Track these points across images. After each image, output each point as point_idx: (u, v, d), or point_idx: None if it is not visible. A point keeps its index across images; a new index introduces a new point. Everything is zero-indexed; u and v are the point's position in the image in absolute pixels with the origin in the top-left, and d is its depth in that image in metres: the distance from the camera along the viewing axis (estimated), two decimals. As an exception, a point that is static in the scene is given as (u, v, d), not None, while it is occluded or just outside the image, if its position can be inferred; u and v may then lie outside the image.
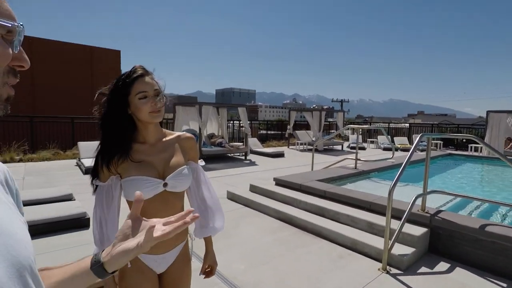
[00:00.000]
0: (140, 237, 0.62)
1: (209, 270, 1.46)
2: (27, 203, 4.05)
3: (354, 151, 7.06)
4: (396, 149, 12.21)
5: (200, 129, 9.40)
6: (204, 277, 1.46)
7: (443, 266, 3.06)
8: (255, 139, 12.92)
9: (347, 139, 16.40)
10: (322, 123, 13.46)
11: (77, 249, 2.87)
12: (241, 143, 11.47)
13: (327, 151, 12.80)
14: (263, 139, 16.00)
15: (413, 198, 3.36)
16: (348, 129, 14.87)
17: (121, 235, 0.65)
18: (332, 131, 18.11)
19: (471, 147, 12.28)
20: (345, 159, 7.38)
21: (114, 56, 21.80)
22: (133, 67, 1.20)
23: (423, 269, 2.99)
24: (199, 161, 1.46)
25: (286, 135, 14.70)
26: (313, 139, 13.52)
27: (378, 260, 3.09)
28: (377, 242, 3.23)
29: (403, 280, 2.77)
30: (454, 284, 2.72)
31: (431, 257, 3.23)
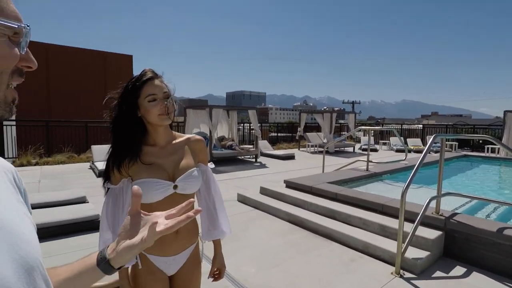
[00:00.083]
0: (143, 232, 0.63)
1: (217, 273, 1.46)
2: (42, 206, 4.15)
3: (366, 153, 6.98)
4: (409, 151, 12.00)
5: (210, 132, 9.45)
6: (213, 280, 1.46)
7: (459, 270, 2.98)
8: (265, 142, 12.92)
9: (359, 141, 16.21)
10: (333, 125, 13.35)
11: (91, 251, 2.91)
12: (251, 146, 11.48)
13: (338, 153, 12.68)
14: (274, 142, 15.97)
15: (427, 200, 3.29)
16: (359, 130, 14.70)
17: (123, 232, 0.65)
18: (343, 133, 17.95)
19: (488, 148, 11.97)
20: (356, 161, 7.29)
21: (126, 60, 22.20)
22: (143, 70, 1.22)
23: (438, 273, 2.92)
24: (208, 163, 1.47)
25: (297, 137, 14.64)
26: (324, 141, 13.42)
27: (391, 263, 3.03)
28: (390, 245, 3.18)
29: (417, 285, 2.71)
30: (470, 289, 2.65)
31: (446, 261, 3.15)
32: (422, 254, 3.03)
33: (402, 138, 8.97)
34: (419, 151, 12.80)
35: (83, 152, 10.05)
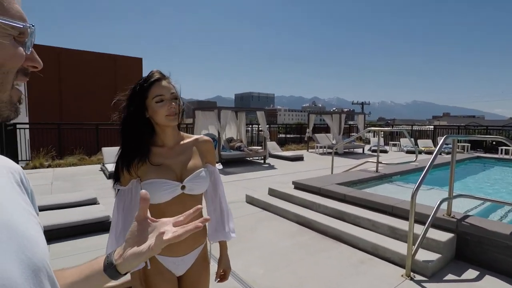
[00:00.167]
0: (151, 240, 0.62)
1: (223, 274, 1.47)
2: (54, 207, 4.23)
3: (376, 154, 6.91)
4: (420, 152, 11.82)
5: (219, 133, 9.49)
6: (218, 281, 1.47)
7: (471, 273, 2.92)
8: (274, 143, 12.90)
9: (368, 142, 16.05)
10: (342, 126, 13.25)
11: (102, 252, 2.95)
12: (260, 147, 11.48)
13: (347, 154, 12.58)
14: (282, 143, 15.94)
15: (438, 202, 3.24)
16: (369, 131, 14.55)
17: (131, 238, 0.65)
18: (352, 134, 17.80)
19: (502, 149, 11.72)
20: (366, 162, 7.22)
21: (136, 63, 22.49)
22: (150, 72, 1.24)
23: (450, 276, 2.86)
24: (216, 164, 1.47)
25: (306, 139, 14.58)
26: (333, 142, 13.33)
27: (401, 266, 2.99)
28: (400, 247, 3.13)
29: (429, 287, 2.67)
30: (483, 292, 2.60)
31: (458, 264, 3.09)
32: (433, 256, 2.98)
33: (412, 139, 8.82)
34: (430, 153, 12.60)
35: (94, 154, 10.21)
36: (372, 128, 9.98)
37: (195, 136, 1.39)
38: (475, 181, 7.07)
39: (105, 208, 4.21)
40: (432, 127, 17.97)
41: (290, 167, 9.42)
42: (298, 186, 5.28)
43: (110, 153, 8.17)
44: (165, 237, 0.60)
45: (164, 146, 1.29)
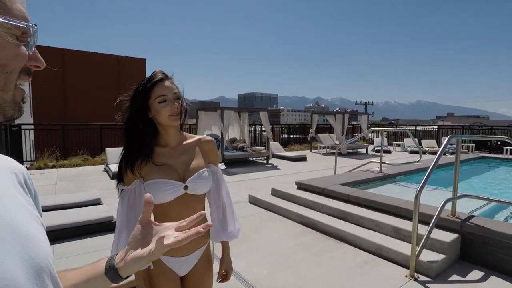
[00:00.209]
0: (153, 244, 0.62)
1: (224, 274, 1.47)
2: (58, 208, 4.26)
3: (379, 154, 6.88)
4: (424, 152, 11.75)
5: (222, 133, 9.50)
6: (219, 282, 1.47)
7: (476, 274, 2.90)
8: (277, 143, 12.89)
9: (372, 143, 15.98)
10: (346, 126, 13.21)
11: (105, 252, 2.97)
12: (263, 147, 11.48)
13: (350, 154, 12.54)
14: (285, 143, 15.93)
15: (442, 202, 3.22)
16: (372, 132, 14.50)
17: (133, 241, 0.65)
18: (356, 134, 17.74)
19: (507, 149, 11.62)
20: (369, 162, 7.19)
21: (139, 64, 22.57)
22: (153, 72, 1.24)
23: (455, 277, 2.85)
24: (219, 164, 1.47)
25: (309, 139, 14.56)
26: (336, 142, 13.30)
27: (405, 266, 2.97)
28: (404, 248, 3.12)
29: (433, 288, 2.65)
30: (488, 293, 2.58)
31: (463, 265, 3.07)
32: (438, 257, 2.96)
33: (416, 139, 8.77)
34: (434, 153, 12.52)
35: (98, 154, 10.26)
36: (376, 128, 9.95)
37: (197, 136, 1.40)
38: (479, 181, 7.02)
39: (109, 208, 4.23)
40: (436, 127, 17.86)
41: (293, 167, 9.41)
42: (301, 186, 5.27)
43: (114, 154, 8.20)
44: (166, 241, 0.61)
45: (167, 146, 1.29)
